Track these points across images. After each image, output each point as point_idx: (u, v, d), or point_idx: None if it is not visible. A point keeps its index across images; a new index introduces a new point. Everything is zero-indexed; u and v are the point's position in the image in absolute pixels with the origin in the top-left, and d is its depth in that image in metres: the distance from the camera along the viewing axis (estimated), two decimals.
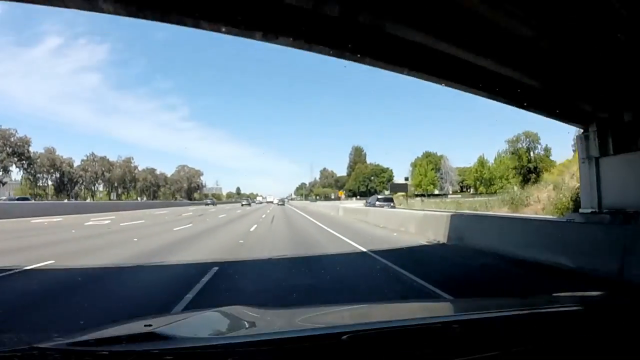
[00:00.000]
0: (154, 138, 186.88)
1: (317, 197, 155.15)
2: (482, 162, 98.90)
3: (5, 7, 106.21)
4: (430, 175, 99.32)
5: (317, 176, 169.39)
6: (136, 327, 1.38)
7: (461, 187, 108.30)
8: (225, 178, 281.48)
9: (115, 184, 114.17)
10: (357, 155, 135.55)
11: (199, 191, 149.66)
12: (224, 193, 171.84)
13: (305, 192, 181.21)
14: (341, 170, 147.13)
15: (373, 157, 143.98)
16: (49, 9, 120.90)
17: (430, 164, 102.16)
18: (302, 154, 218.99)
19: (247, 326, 1.53)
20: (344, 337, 1.14)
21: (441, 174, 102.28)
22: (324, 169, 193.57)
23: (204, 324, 1.57)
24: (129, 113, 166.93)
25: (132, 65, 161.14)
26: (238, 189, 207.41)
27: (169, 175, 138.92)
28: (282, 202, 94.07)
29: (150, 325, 1.34)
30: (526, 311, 1.60)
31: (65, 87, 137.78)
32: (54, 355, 1.04)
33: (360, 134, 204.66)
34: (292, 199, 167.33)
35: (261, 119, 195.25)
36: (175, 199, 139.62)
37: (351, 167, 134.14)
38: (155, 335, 1.24)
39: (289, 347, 1.08)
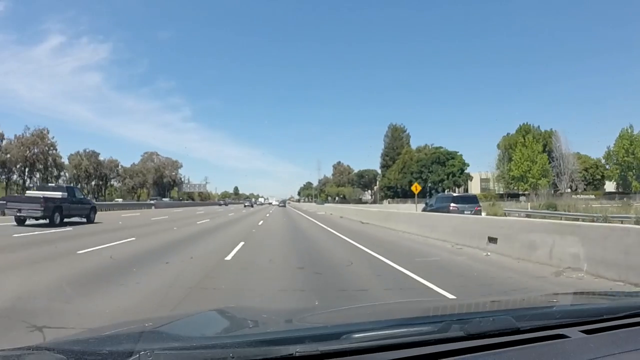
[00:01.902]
0: (156, 138, 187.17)
1: (332, 198, 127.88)
2: (630, 139, 53.70)
3: (7, 5, 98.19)
4: (542, 161, 54.70)
5: (329, 173, 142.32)
6: (136, 326, 1.40)
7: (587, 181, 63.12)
8: (224, 178, 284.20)
9: (25, 170, 66.64)
10: (396, 138, 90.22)
11: (176, 188, 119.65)
12: (218, 192, 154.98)
13: (314, 191, 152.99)
14: (360, 165, 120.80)
15: (418, 141, 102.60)
16: (51, 7, 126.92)
17: (537, 143, 57.22)
18: (306, 153, 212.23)
19: (247, 326, 1.53)
20: (344, 336, 1.16)
21: (553, 161, 57.50)
22: (339, 162, 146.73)
23: (203, 324, 1.57)
24: (130, 113, 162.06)
25: (135, 64, 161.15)
26: (236, 188, 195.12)
27: (127, 165, 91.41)
28: (282, 203, 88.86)
29: (150, 325, 1.38)
30: (528, 311, 1.60)
31: (67, 86, 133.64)
32: (54, 355, 1.04)
33: (387, 118, 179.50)
34: (297, 201, 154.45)
35: (263, 120, 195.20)
36: (138, 197, 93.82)
37: (388, 155, 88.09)
38: (156, 334, 1.26)
39: (289, 347, 1.08)
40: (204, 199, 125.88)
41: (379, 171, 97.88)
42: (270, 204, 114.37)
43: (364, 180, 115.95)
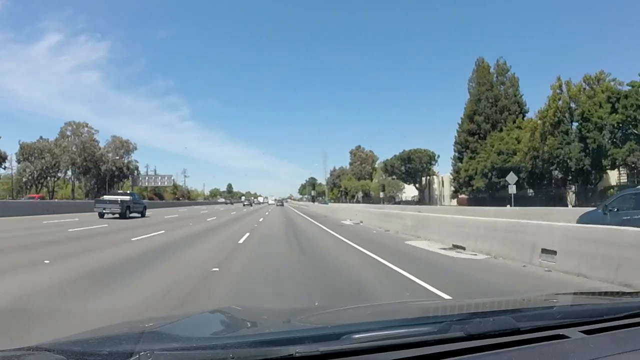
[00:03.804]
0: (155, 138, 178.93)
1: (351, 197, 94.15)
2: None
3: (4, 4, 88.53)
4: None
5: (344, 162, 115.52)
6: (136, 327, 1.41)
7: None
8: (219, 176, 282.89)
9: None
10: (492, 85, 44.52)
11: (129, 179, 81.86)
12: (206, 191, 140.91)
13: (327, 187, 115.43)
14: (387, 152, 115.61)
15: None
16: (48, 6, 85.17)
17: None
18: (306, 152, 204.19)
19: (247, 326, 1.53)
20: (344, 337, 1.17)
21: None
22: (358, 147, 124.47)
23: (203, 324, 1.58)
24: (129, 112, 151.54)
25: (133, 64, 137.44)
26: (229, 186, 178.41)
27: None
28: (280, 202, 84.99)
29: (150, 325, 1.39)
30: (528, 312, 1.59)
31: (65, 85, 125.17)
32: (53, 356, 1.05)
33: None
34: (312, 199, 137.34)
35: (263, 119, 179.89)
36: (52, 193, 43.55)
37: (481, 114, 42.32)
38: (156, 335, 1.28)
39: (289, 347, 1.09)
40: (181, 197, 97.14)
41: (453, 149, 57.25)
42: (267, 203, 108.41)
43: (412, 167, 74.40)
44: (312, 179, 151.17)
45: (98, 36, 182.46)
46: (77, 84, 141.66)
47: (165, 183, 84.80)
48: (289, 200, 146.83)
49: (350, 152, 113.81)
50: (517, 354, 1.15)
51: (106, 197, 27.35)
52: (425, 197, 74.99)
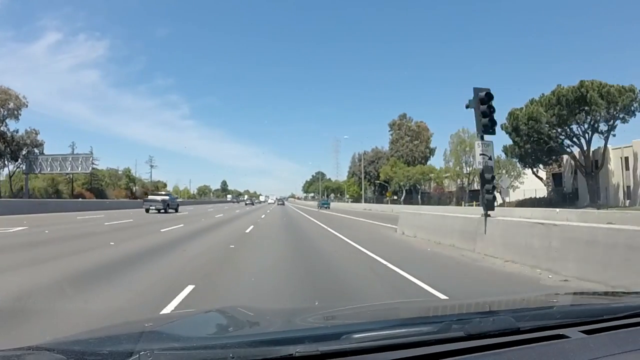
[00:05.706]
0: (154, 137, 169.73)
1: (393, 194, 64.12)
2: None
3: (3, 2, 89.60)
4: None
5: (381, 139, 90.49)
6: (136, 326, 1.43)
7: None
8: (219, 174, 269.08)
9: None
10: None
11: (22, 162, 54.40)
12: (192, 189, 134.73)
13: (357, 176, 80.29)
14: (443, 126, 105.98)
15: None
16: (47, 4, 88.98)
17: None
18: (307, 151, 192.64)
19: (247, 326, 1.57)
20: (344, 336, 1.19)
21: None
22: (403, 116, 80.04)
23: (203, 324, 1.59)
24: (129, 111, 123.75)
25: (132, 62, 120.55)
26: (224, 183, 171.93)
27: None
28: (281, 201, 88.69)
29: (150, 325, 1.40)
30: (528, 311, 1.60)
31: (64, 84, 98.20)
32: (54, 355, 1.07)
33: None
34: (307, 198, 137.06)
35: (263, 118, 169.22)
36: None
37: None
38: (155, 334, 1.30)
39: (289, 347, 1.11)
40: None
41: None
42: (267, 202, 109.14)
43: (579, 121, 36.03)
44: (320, 173, 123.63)
45: (97, 34, 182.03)
46: (77, 82, 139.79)
47: (80, 169, 47.82)
48: (290, 199, 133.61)
49: (391, 125, 76.27)
50: (517, 353, 1.15)
51: (150, 197, 35.20)
52: (591, 189, 36.77)
